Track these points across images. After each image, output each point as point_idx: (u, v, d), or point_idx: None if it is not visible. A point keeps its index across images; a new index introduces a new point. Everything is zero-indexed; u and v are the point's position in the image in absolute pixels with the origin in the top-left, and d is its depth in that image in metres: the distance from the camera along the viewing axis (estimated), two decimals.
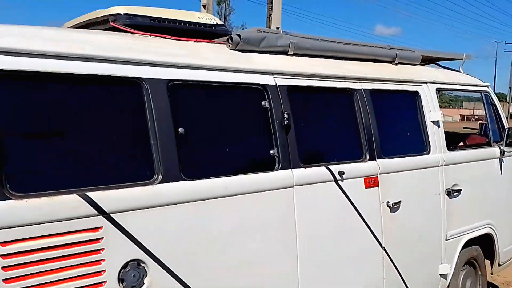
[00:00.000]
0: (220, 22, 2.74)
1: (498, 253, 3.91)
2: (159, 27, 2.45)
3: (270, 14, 21.30)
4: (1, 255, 1.64)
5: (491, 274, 4.17)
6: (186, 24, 2.56)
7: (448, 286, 3.49)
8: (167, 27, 2.48)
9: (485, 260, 3.95)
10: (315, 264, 2.58)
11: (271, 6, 21.40)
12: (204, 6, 25.62)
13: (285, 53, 2.72)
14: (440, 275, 3.37)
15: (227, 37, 2.58)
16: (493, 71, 64.51)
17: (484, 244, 3.84)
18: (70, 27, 2.73)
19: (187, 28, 2.55)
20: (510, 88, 52.26)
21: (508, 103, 53.67)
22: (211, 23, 2.71)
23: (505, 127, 3.93)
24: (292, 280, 2.48)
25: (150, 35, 2.34)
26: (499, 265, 3.99)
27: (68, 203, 1.77)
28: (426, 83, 3.41)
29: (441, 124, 3.39)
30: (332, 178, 2.64)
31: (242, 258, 2.30)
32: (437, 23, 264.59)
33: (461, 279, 3.67)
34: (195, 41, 2.45)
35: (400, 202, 3.01)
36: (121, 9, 2.41)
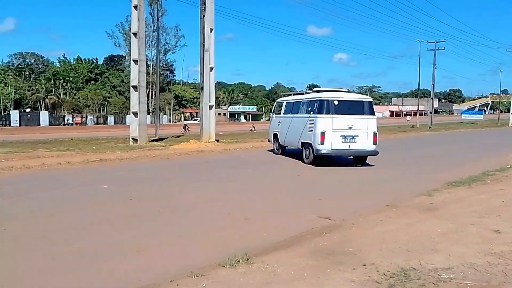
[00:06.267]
0: (345, 90, 17.38)
1: None
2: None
3: (204, 16, 29.06)
4: None
5: None
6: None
7: None
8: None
9: None
10: None
11: (204, 8, 28.38)
12: (136, 7, 30.00)
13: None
14: None
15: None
16: (417, 69, 77.97)
17: None
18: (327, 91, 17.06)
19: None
20: (433, 84, 54.06)
21: (432, 99, 57.66)
22: (345, 90, 17.41)
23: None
24: None
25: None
26: None
27: None
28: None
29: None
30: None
31: None
32: (366, 24, 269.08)
33: None
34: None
35: None
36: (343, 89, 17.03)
